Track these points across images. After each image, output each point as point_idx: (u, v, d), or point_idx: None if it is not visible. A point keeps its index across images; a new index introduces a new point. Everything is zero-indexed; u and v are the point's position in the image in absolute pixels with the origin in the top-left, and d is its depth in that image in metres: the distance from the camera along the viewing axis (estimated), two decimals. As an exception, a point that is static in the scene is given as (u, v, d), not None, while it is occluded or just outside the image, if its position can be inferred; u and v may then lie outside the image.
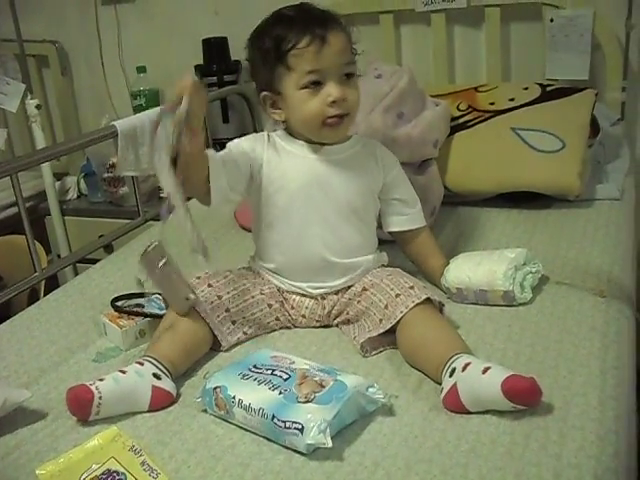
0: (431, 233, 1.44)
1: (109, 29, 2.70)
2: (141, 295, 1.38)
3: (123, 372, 1.10)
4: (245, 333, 1.29)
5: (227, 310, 1.26)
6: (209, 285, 1.27)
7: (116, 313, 1.35)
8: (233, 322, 1.27)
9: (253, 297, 1.30)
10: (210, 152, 1.22)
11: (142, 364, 1.12)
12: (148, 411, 1.09)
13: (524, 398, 0.99)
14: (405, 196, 1.39)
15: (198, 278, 1.29)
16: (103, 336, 1.36)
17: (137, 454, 0.96)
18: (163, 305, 1.34)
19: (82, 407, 1.05)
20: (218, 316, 1.25)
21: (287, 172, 1.31)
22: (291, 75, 1.24)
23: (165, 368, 1.13)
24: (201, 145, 1.17)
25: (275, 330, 1.33)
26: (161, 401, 1.10)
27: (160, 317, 1.29)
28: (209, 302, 1.24)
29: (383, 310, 1.22)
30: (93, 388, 1.05)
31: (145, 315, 1.33)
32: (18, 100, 2.33)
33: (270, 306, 1.31)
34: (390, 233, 1.42)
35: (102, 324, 1.35)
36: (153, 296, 1.38)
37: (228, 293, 1.28)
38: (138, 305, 1.37)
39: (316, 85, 1.23)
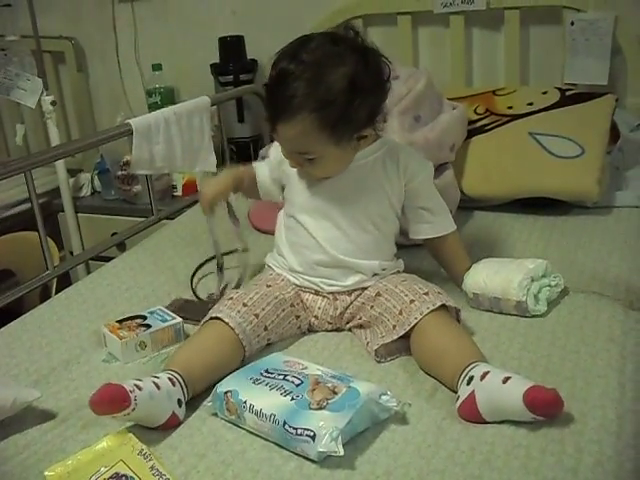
0: (458, 237, 1.41)
1: (125, 26, 2.70)
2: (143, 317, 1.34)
3: (158, 387, 1.04)
4: (268, 345, 1.27)
5: (265, 328, 1.23)
6: (244, 304, 1.23)
7: (117, 324, 1.31)
8: (268, 339, 1.25)
9: (284, 310, 1.27)
10: (258, 173, 1.44)
11: (174, 384, 1.07)
12: (154, 428, 1.06)
13: (546, 410, 0.98)
14: (430, 204, 1.36)
15: (231, 299, 1.25)
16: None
17: (146, 458, 0.95)
18: (167, 318, 1.32)
19: (110, 408, 1.00)
20: (258, 335, 1.22)
21: (306, 177, 1.31)
22: None
23: (188, 394, 1.10)
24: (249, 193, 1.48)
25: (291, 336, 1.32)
26: (170, 426, 1.06)
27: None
28: (248, 322, 1.20)
29: (397, 316, 1.20)
30: (132, 397, 0.99)
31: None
32: (37, 96, 2.33)
33: (297, 317, 1.30)
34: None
35: (102, 335, 1.31)
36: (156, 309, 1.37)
37: (263, 309, 1.24)
38: (140, 317, 1.34)
39: None
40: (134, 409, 1.00)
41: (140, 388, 1.02)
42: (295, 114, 1.16)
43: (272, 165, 1.40)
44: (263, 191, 1.44)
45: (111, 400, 0.99)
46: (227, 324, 1.19)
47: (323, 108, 1.16)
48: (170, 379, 1.08)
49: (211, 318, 1.22)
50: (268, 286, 1.29)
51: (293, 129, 1.18)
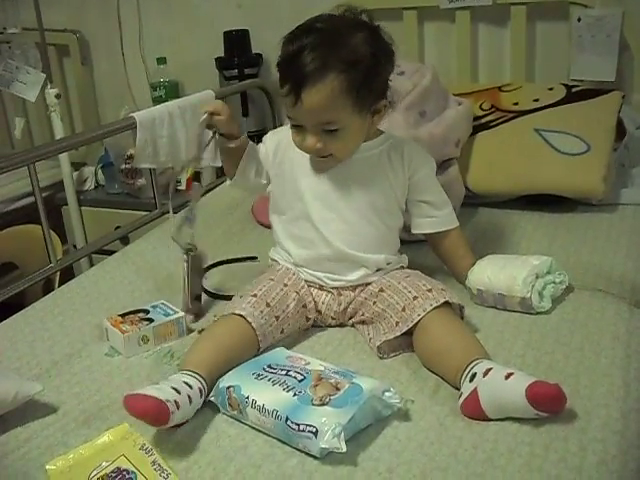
0: (462, 233, 1.40)
1: (130, 19, 2.70)
2: (146, 311, 1.34)
3: (190, 401, 1.03)
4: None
5: (282, 331, 1.23)
6: (267, 305, 1.21)
7: (119, 318, 1.30)
8: (278, 341, 1.23)
9: (298, 312, 1.26)
10: (250, 144, 1.33)
11: (201, 396, 1.06)
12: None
13: (549, 405, 0.97)
14: (433, 198, 1.36)
15: (254, 296, 1.22)
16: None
17: (148, 453, 0.95)
18: (170, 312, 1.32)
19: (148, 421, 0.98)
20: (274, 337, 1.21)
21: (307, 167, 1.30)
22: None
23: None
24: (236, 146, 1.31)
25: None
26: (177, 427, 1.04)
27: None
28: (269, 324, 1.19)
29: (400, 312, 1.20)
30: (171, 418, 0.98)
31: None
32: (37, 90, 2.33)
33: (308, 320, 1.29)
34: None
35: (105, 328, 1.31)
36: (159, 303, 1.36)
37: (284, 312, 1.23)
38: (143, 311, 1.33)
39: (297, 126, 1.23)
40: (168, 427, 1.00)
41: (178, 407, 1.00)
42: (324, 76, 1.15)
43: (264, 153, 1.36)
44: (246, 163, 1.33)
45: (154, 418, 0.98)
46: (250, 324, 1.17)
47: (350, 69, 1.16)
48: (200, 390, 1.06)
49: (234, 314, 1.20)
50: (285, 285, 1.28)
51: (322, 93, 1.16)
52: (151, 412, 0.97)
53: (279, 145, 1.34)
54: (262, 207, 1.82)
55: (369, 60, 1.18)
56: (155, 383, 1.05)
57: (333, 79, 1.16)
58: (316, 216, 1.29)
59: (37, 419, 1.09)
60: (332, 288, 1.30)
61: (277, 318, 1.22)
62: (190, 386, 1.05)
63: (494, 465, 0.92)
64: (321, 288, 1.31)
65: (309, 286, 1.31)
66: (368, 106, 1.22)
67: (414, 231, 1.38)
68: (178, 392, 1.02)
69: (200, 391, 1.06)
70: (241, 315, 1.18)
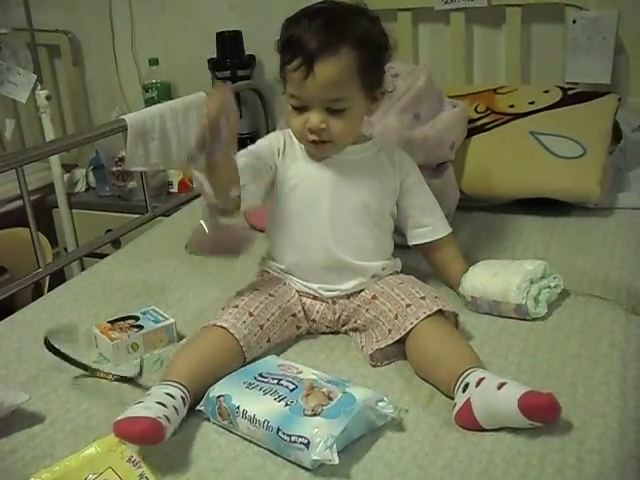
0: (453, 239, 1.39)
1: (122, 20, 2.67)
2: (136, 317, 1.31)
3: (177, 413, 1.00)
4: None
5: (268, 340, 1.20)
6: (250, 314, 1.19)
7: (109, 325, 1.28)
8: (267, 349, 1.21)
9: (286, 321, 1.24)
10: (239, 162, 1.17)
11: (184, 402, 1.03)
12: None
13: (543, 415, 0.95)
14: (424, 202, 1.35)
15: (236, 307, 1.20)
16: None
17: (135, 465, 0.92)
18: (160, 318, 1.29)
19: (145, 443, 0.96)
20: (260, 347, 1.19)
21: (302, 171, 1.28)
22: (287, 84, 1.21)
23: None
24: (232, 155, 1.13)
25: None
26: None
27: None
28: (253, 334, 1.17)
29: (393, 320, 1.18)
30: (166, 435, 0.96)
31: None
32: (28, 91, 2.31)
33: (298, 328, 1.27)
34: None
35: (94, 336, 1.28)
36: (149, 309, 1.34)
37: (268, 320, 1.20)
38: (133, 317, 1.31)
39: (300, 107, 1.21)
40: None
41: (170, 421, 0.98)
42: (339, 49, 1.15)
43: (271, 149, 1.28)
44: (251, 165, 1.21)
45: (151, 439, 0.95)
46: (233, 335, 1.15)
47: (363, 46, 1.17)
48: (183, 398, 1.03)
49: (215, 325, 1.17)
50: (271, 295, 1.25)
51: (336, 66, 1.15)
52: (147, 434, 0.94)
53: (273, 147, 1.29)
54: (255, 210, 1.79)
55: (378, 41, 1.21)
56: (139, 401, 1.01)
57: (347, 53, 1.16)
58: (313, 221, 1.26)
59: (23, 429, 1.06)
60: (327, 298, 1.28)
61: (261, 327, 1.19)
62: (173, 396, 1.02)
63: (490, 477, 0.90)
64: (315, 298, 1.29)
65: (301, 296, 1.28)
66: (372, 89, 1.22)
67: (411, 243, 1.37)
68: (164, 406, 0.99)
69: (183, 399, 1.03)
70: (223, 327, 1.15)
